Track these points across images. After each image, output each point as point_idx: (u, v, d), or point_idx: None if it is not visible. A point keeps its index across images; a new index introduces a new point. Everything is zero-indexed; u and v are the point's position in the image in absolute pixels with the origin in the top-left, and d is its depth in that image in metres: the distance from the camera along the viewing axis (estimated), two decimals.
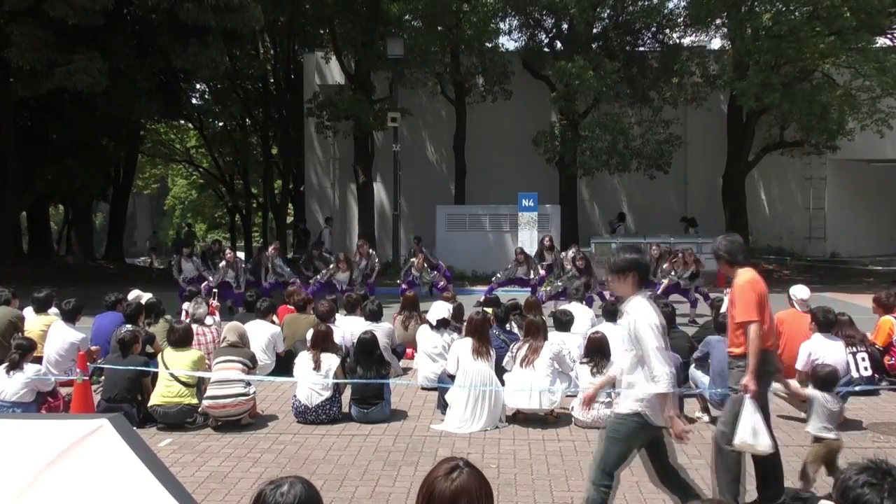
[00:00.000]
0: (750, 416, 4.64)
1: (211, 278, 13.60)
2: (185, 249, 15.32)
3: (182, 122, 31.10)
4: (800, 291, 8.20)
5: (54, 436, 2.50)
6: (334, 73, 22.52)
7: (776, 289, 14.52)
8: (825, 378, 5.51)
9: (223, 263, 13.80)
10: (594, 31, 20.98)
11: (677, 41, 21.41)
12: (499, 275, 14.59)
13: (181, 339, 7.00)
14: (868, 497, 1.83)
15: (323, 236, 21.21)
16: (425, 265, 14.83)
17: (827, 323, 7.08)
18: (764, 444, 4.61)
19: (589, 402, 5.22)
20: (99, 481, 2.34)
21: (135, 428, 6.18)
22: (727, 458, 4.88)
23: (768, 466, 4.94)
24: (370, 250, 14.82)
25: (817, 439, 5.34)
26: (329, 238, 21.34)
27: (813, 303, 8.00)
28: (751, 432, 4.57)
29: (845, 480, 1.90)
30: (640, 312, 4.22)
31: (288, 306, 10.06)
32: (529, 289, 14.05)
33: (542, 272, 14.58)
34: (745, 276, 4.85)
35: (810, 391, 5.50)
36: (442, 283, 14.34)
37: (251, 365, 7.47)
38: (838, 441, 5.34)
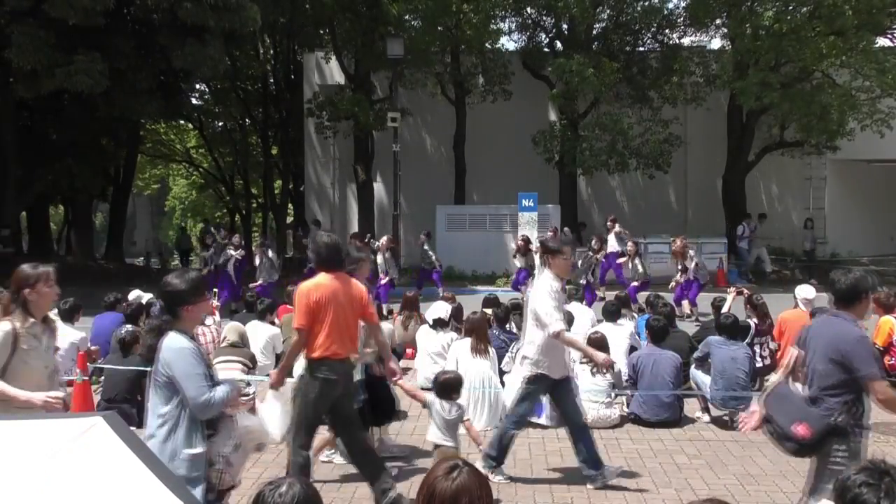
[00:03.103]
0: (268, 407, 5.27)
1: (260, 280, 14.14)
2: (234, 239, 16.08)
3: (182, 122, 31.08)
4: (805, 291, 8.20)
5: (49, 435, 2.49)
6: (334, 73, 22.50)
7: (777, 289, 14.57)
8: (443, 385, 5.46)
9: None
10: (594, 31, 20.98)
11: (677, 41, 21.41)
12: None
13: None
14: (865, 497, 1.83)
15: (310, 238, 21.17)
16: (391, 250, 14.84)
17: None
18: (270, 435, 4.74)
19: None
20: (95, 479, 2.33)
21: (134, 428, 6.19)
22: None
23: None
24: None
25: (436, 446, 5.37)
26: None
27: (817, 303, 7.98)
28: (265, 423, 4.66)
29: (844, 480, 1.90)
30: None
31: (288, 306, 10.04)
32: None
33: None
34: (306, 285, 5.04)
35: (429, 397, 5.50)
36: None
37: (251, 365, 7.47)
38: (454, 449, 5.31)
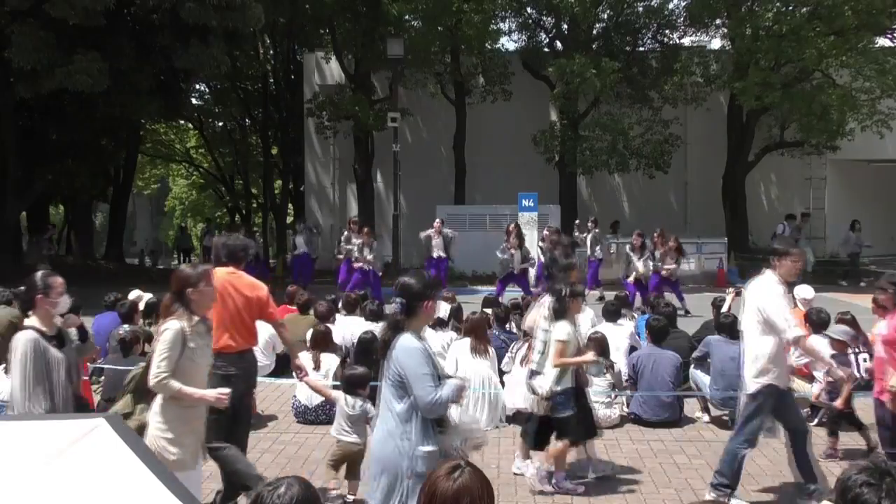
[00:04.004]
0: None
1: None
2: (298, 225, 15.52)
3: (182, 122, 31.09)
4: (804, 291, 8.21)
5: (51, 436, 2.50)
6: (334, 73, 22.50)
7: None
8: (349, 380, 5.49)
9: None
10: (594, 31, 20.98)
11: (677, 41, 21.41)
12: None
13: None
14: (866, 497, 1.83)
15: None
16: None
17: (820, 323, 7.07)
18: None
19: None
20: (97, 481, 2.33)
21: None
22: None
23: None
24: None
25: (338, 441, 5.40)
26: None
27: (815, 303, 7.99)
28: None
29: (845, 481, 1.90)
30: None
31: (288, 306, 10.04)
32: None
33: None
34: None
35: (335, 392, 5.54)
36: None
37: None
38: (358, 445, 5.32)
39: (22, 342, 4.18)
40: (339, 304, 9.52)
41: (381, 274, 14.74)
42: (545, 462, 5.64)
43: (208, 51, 16.04)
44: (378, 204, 22.53)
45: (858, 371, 7.39)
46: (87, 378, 6.80)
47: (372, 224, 21.47)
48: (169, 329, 3.95)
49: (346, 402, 5.37)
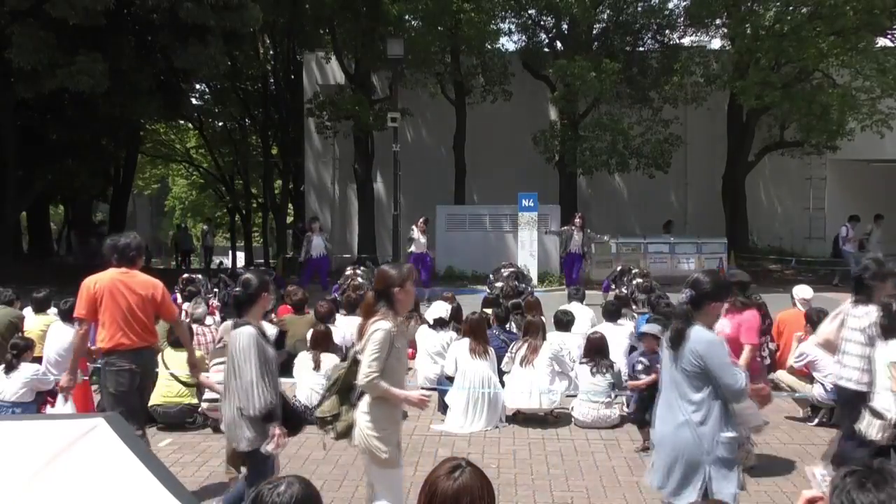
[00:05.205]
0: None
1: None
2: (313, 225, 16.07)
3: (182, 122, 31.10)
4: (803, 291, 8.21)
5: (50, 436, 2.49)
6: (334, 73, 22.50)
7: (777, 289, 14.53)
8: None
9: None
10: (594, 31, 20.97)
11: (677, 41, 21.40)
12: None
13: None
14: (854, 495, 1.87)
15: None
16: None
17: (820, 323, 7.06)
18: None
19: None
20: (97, 480, 2.33)
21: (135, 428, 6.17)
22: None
23: None
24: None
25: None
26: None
27: (815, 303, 7.99)
28: None
29: (836, 484, 1.93)
30: None
31: (288, 307, 10.04)
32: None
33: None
34: (89, 278, 5.23)
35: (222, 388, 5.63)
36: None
37: None
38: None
39: (245, 336, 4.23)
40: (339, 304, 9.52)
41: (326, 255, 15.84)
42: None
43: (206, 51, 16.03)
44: (378, 204, 22.53)
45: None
46: (87, 378, 6.81)
47: (372, 224, 21.55)
48: (380, 329, 3.95)
49: None
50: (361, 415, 4.02)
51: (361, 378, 3.94)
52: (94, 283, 5.19)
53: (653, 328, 6.71)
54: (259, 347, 4.22)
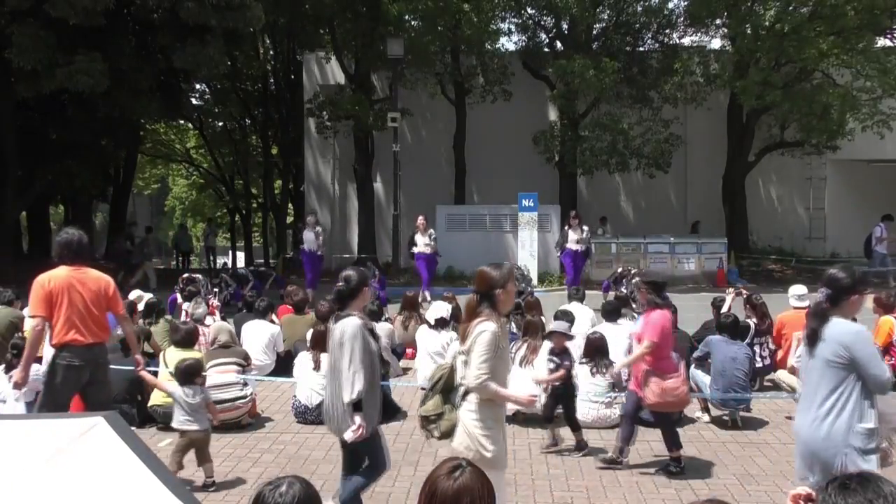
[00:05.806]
0: None
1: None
2: (308, 219, 16.05)
3: (182, 122, 31.10)
4: (797, 290, 8.22)
5: (51, 435, 2.50)
6: (334, 73, 22.50)
7: (777, 289, 14.55)
8: (184, 371, 5.73)
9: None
10: (594, 31, 20.97)
11: (677, 41, 21.40)
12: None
13: (185, 340, 7.00)
14: (841, 498, 1.90)
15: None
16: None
17: None
18: None
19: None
20: (96, 478, 2.33)
21: (134, 428, 6.19)
22: None
23: None
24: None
25: (183, 432, 5.60)
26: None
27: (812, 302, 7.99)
28: None
29: (824, 496, 1.96)
30: None
31: (288, 307, 10.04)
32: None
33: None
34: (43, 276, 5.29)
35: (170, 386, 5.77)
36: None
37: (245, 363, 7.48)
38: (203, 431, 5.61)
39: (352, 326, 4.46)
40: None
41: (320, 254, 15.58)
42: None
43: (206, 51, 16.01)
44: (378, 204, 22.53)
45: None
46: None
47: (372, 223, 21.56)
48: (487, 331, 3.96)
49: (184, 393, 5.59)
50: (467, 413, 4.04)
51: (472, 380, 3.97)
52: (48, 280, 5.28)
53: (560, 325, 6.87)
54: (364, 339, 4.43)
